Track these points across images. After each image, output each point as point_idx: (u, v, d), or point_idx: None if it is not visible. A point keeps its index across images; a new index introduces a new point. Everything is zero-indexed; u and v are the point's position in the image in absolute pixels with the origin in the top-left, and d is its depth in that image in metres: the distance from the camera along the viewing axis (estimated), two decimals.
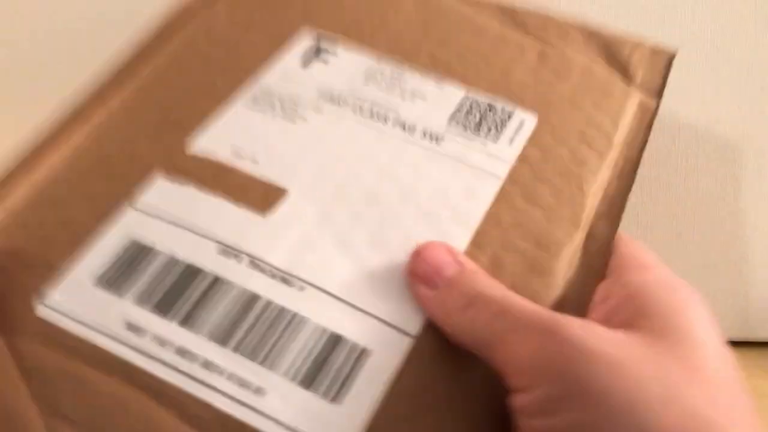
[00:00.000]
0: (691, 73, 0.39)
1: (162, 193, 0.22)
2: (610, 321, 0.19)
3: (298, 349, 0.19)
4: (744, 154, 0.39)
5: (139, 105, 0.25)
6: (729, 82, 0.39)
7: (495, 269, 0.21)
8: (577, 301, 0.21)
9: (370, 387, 0.19)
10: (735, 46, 0.39)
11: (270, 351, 0.19)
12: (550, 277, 0.21)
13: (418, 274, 0.20)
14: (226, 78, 0.26)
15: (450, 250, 0.21)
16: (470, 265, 0.21)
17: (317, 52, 0.27)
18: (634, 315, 0.18)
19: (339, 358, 0.19)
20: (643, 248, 0.21)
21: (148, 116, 0.25)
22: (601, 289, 0.21)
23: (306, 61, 0.27)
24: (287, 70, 0.26)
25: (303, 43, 0.27)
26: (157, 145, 0.24)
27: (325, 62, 0.27)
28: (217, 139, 0.24)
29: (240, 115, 0.25)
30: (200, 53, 0.27)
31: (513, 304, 0.19)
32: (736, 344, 0.38)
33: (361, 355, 0.19)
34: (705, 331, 0.18)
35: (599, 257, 0.22)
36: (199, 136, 0.24)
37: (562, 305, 0.21)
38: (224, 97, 0.25)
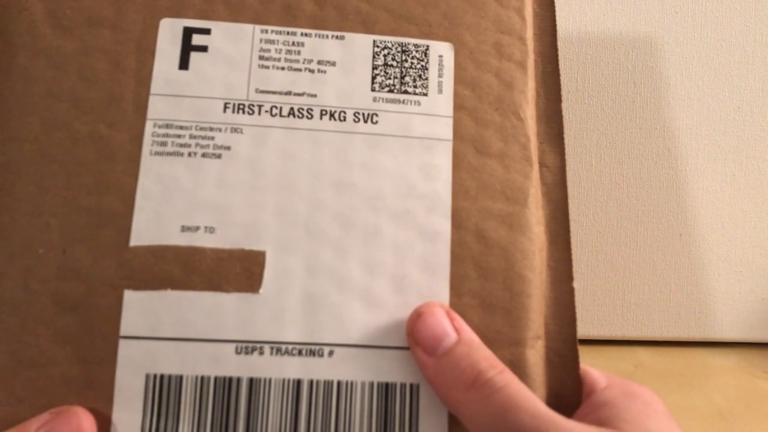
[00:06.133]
0: (691, 73, 0.39)
1: (141, 308, 0.20)
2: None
3: (359, 415, 0.20)
4: (744, 154, 0.39)
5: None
6: (729, 82, 0.39)
7: (482, 245, 0.22)
8: (553, 241, 0.23)
9: (434, 418, 0.21)
10: (735, 46, 0.39)
11: (337, 429, 0.20)
12: (529, 231, 0.23)
13: (417, 340, 0.21)
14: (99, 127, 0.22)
15: (449, 315, 0.21)
16: (467, 334, 0.21)
17: (190, 40, 0.23)
18: (611, 419, 0.20)
19: (397, 404, 0.21)
20: (595, 370, 0.23)
21: (53, 219, 0.21)
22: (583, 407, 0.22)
23: (183, 59, 0.22)
24: (169, 79, 0.22)
25: (168, 37, 0.23)
26: (95, 251, 0.21)
27: (204, 49, 0.23)
28: (153, 217, 0.21)
29: (158, 174, 0.21)
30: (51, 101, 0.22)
31: (515, 399, 0.19)
32: (735, 345, 0.38)
33: (413, 392, 0.21)
34: (666, 426, 0.20)
35: (556, 187, 0.24)
36: (131, 221, 0.21)
37: (542, 251, 0.23)
38: (123, 155, 0.22)
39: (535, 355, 0.22)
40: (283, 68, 0.23)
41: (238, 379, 0.20)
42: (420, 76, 0.23)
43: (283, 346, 0.21)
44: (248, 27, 0.23)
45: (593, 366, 0.23)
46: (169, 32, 0.22)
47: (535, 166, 0.23)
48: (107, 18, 0.22)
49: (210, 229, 0.21)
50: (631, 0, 0.38)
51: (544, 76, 0.24)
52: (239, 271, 0.21)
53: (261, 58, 0.23)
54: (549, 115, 0.24)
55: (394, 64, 0.23)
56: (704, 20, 0.38)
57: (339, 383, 0.21)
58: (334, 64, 0.23)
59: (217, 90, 0.22)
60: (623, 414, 0.20)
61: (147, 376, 0.20)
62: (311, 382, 0.21)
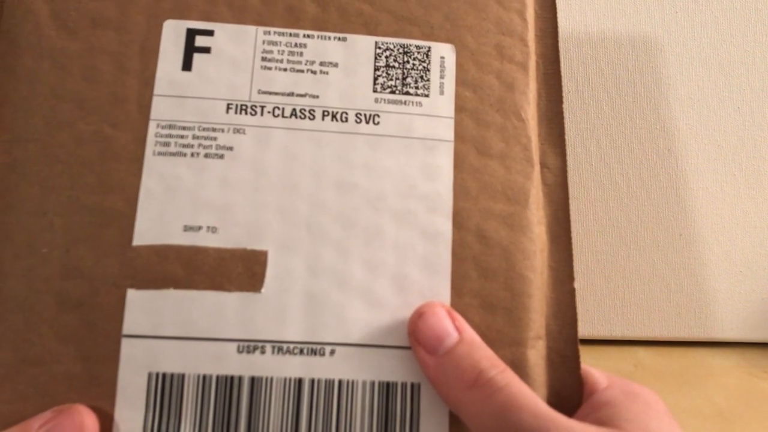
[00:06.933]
0: (691, 73, 0.39)
1: (144, 307, 0.21)
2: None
3: (360, 414, 0.21)
4: (744, 154, 0.39)
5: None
6: (729, 82, 0.39)
7: (483, 245, 0.22)
8: (554, 242, 0.23)
9: (435, 417, 0.21)
10: (735, 46, 0.39)
11: (338, 428, 0.20)
12: (530, 231, 0.23)
13: (419, 340, 0.21)
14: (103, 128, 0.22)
15: (450, 314, 0.21)
16: (468, 334, 0.21)
17: (193, 42, 0.23)
18: (612, 418, 0.20)
19: (398, 403, 0.21)
20: (596, 370, 0.23)
21: (56, 219, 0.21)
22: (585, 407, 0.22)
23: (186, 60, 0.23)
24: (172, 80, 0.22)
25: (171, 38, 0.23)
26: (98, 250, 0.21)
27: (207, 51, 0.23)
28: (156, 216, 0.21)
29: (161, 174, 0.22)
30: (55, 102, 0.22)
31: (516, 398, 0.19)
32: (735, 345, 0.38)
33: (414, 391, 0.21)
34: (668, 426, 0.20)
35: (557, 188, 0.24)
36: (134, 221, 0.21)
37: (543, 252, 0.23)
38: (126, 155, 0.22)
39: (536, 355, 0.22)
40: (285, 69, 0.23)
41: (240, 378, 0.20)
42: (422, 77, 0.23)
43: (285, 345, 0.21)
44: (251, 29, 0.23)
45: (593, 366, 0.23)
46: (172, 34, 0.23)
47: (536, 167, 0.24)
48: (111, 19, 0.22)
49: (212, 229, 0.21)
50: (631, 0, 0.38)
51: (545, 77, 0.25)
52: (241, 270, 0.21)
53: (264, 59, 0.23)
54: (550, 116, 0.24)
55: (396, 65, 0.23)
56: (704, 20, 0.38)
57: (340, 382, 0.21)
58: (336, 65, 0.23)
59: (220, 91, 0.22)
60: (624, 414, 0.20)
61: (149, 375, 0.20)
62: (312, 381, 0.21)
